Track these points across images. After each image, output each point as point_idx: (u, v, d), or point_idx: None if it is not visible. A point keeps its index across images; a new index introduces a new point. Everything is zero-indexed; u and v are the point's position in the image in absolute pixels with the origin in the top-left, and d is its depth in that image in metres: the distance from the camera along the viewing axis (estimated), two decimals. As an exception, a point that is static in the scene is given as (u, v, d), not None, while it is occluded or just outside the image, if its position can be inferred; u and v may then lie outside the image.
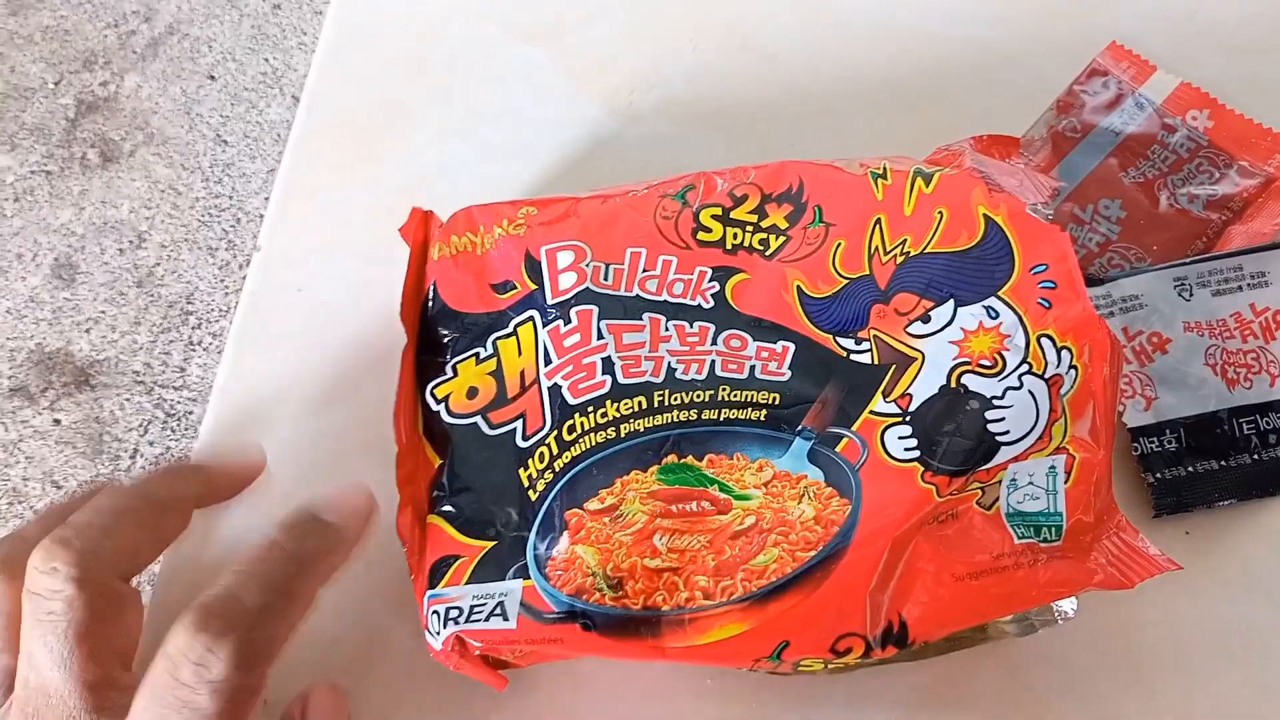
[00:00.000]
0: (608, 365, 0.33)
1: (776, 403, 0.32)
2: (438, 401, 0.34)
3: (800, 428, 0.31)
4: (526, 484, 0.32)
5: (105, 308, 1.33)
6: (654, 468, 0.31)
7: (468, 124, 0.47)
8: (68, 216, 1.40)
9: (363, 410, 0.39)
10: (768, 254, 0.34)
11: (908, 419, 0.31)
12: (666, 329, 0.33)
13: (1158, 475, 0.35)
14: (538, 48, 0.49)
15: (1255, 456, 0.35)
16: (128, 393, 1.27)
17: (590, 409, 0.32)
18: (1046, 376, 0.30)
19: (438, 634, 0.31)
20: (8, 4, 1.60)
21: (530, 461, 0.32)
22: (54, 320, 1.33)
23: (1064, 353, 0.30)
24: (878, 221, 0.33)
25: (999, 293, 0.31)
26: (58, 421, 1.26)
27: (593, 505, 0.31)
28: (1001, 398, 0.30)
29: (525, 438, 0.33)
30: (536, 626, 0.30)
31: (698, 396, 0.32)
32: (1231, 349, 0.36)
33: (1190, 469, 0.35)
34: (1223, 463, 0.35)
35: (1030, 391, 0.30)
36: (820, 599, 0.29)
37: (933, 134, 0.38)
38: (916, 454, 0.30)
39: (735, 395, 0.32)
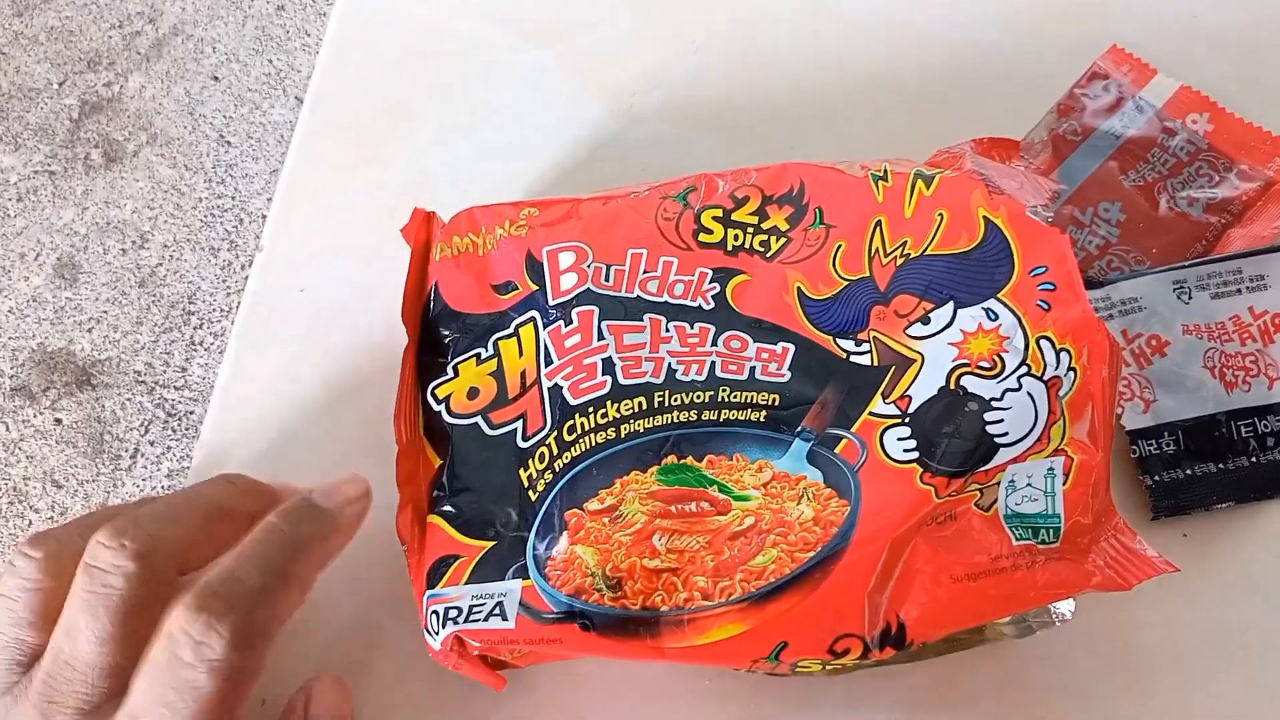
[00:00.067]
0: (608, 366, 0.33)
1: (776, 404, 0.32)
2: (439, 402, 0.34)
3: (800, 429, 0.31)
4: (526, 484, 0.32)
5: (107, 307, 1.33)
6: (654, 468, 0.31)
7: (470, 125, 0.47)
8: (71, 216, 1.41)
9: (364, 410, 0.39)
10: (768, 255, 0.34)
11: (907, 420, 0.31)
12: (667, 330, 0.33)
13: (1156, 478, 0.35)
14: (540, 50, 0.49)
15: (1253, 459, 0.35)
16: (129, 392, 1.28)
17: (591, 409, 0.32)
18: (1045, 378, 0.30)
19: (437, 634, 0.31)
20: (13, 4, 1.60)
21: (530, 462, 0.32)
22: (56, 320, 1.33)
23: (1063, 355, 0.30)
24: (878, 223, 0.33)
25: (998, 295, 0.31)
26: (59, 421, 1.27)
27: (592, 505, 0.31)
28: (1000, 399, 0.30)
29: (525, 438, 0.33)
30: (535, 626, 0.30)
31: (698, 397, 0.32)
32: (1230, 352, 0.36)
33: (1188, 472, 0.35)
34: (1221, 465, 0.35)
35: (1029, 393, 0.30)
36: (818, 600, 0.29)
37: (933, 137, 0.38)
38: (915, 455, 0.30)
39: (735, 396, 0.32)
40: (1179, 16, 0.46)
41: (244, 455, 0.40)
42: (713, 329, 0.33)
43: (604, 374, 0.33)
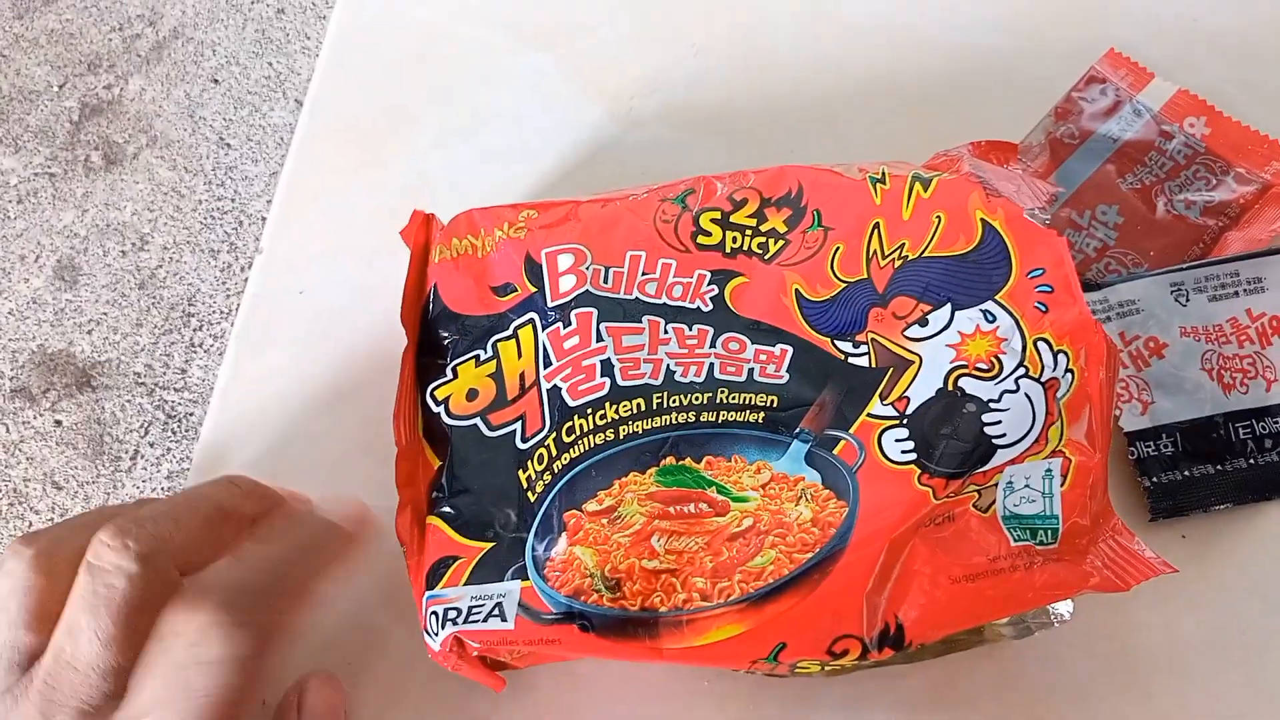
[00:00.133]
0: (607, 367, 0.33)
1: (774, 405, 0.32)
2: (438, 403, 0.34)
3: (798, 430, 0.31)
4: (525, 485, 0.32)
5: (107, 309, 1.33)
6: (652, 469, 0.31)
7: (469, 128, 0.47)
8: (71, 218, 1.41)
9: (363, 412, 0.39)
10: (766, 258, 0.34)
11: (905, 422, 0.31)
12: (666, 332, 0.33)
13: (1154, 479, 0.35)
14: (540, 53, 0.49)
15: (1251, 461, 0.35)
16: (129, 394, 1.28)
17: (589, 411, 0.32)
18: (1043, 380, 0.30)
19: (436, 635, 0.31)
20: (13, 7, 1.60)
21: (529, 463, 0.32)
22: (56, 322, 1.33)
23: (1060, 356, 0.31)
24: (876, 226, 0.33)
25: (996, 297, 0.32)
26: (59, 423, 1.27)
27: (591, 507, 0.31)
28: (998, 401, 0.30)
29: (524, 439, 0.33)
30: (534, 627, 0.30)
31: (696, 399, 0.32)
32: (1228, 354, 0.36)
33: (1186, 473, 0.35)
34: (1219, 467, 0.35)
35: (1027, 395, 0.30)
36: (817, 601, 0.29)
37: (933, 140, 0.38)
38: (913, 456, 0.30)
39: (733, 398, 0.32)
40: (1179, 20, 0.46)
41: (244, 457, 0.40)
42: (711, 331, 0.33)
43: (603, 375, 0.33)
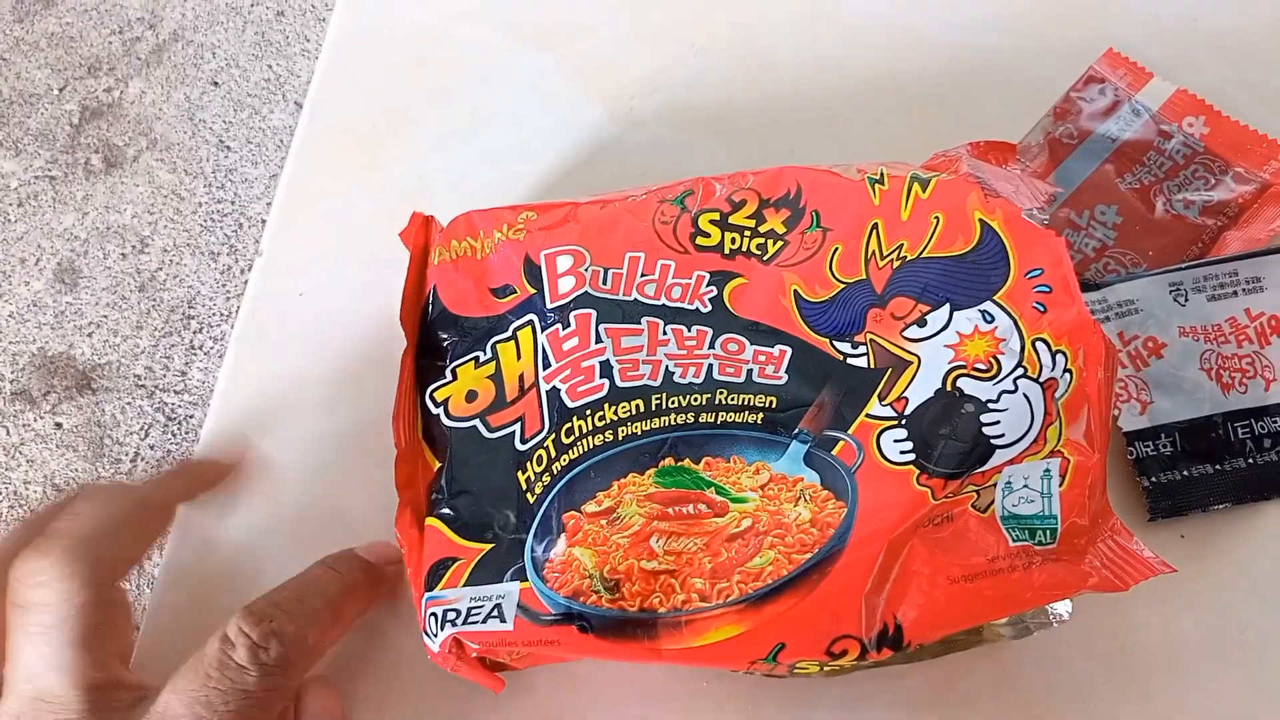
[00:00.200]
0: (606, 369, 0.33)
1: (773, 406, 0.32)
2: (437, 405, 0.34)
3: (797, 431, 0.31)
4: (524, 486, 0.32)
5: (107, 312, 1.33)
6: (651, 470, 0.31)
7: (469, 130, 0.47)
8: (71, 221, 1.41)
9: (363, 414, 0.39)
10: (765, 259, 0.34)
11: (903, 422, 0.31)
12: (664, 333, 0.33)
13: (1153, 479, 0.35)
14: (540, 54, 0.49)
15: (1250, 461, 0.35)
16: (129, 396, 1.28)
17: (588, 412, 0.32)
18: (1041, 380, 0.30)
19: (435, 636, 0.31)
20: (14, 10, 1.61)
21: (528, 464, 0.32)
22: (56, 324, 1.33)
23: (1059, 356, 0.31)
24: (875, 226, 0.33)
25: (994, 297, 0.32)
26: (59, 425, 1.27)
27: (590, 508, 0.31)
28: (996, 401, 0.30)
29: (524, 440, 0.33)
30: (533, 628, 0.30)
31: (695, 400, 0.32)
32: (1227, 354, 0.36)
33: (1185, 473, 0.35)
34: (1218, 467, 0.35)
35: (1025, 395, 0.30)
36: (816, 601, 0.29)
37: (932, 140, 0.38)
38: (912, 457, 0.30)
39: (732, 399, 0.32)
40: (1178, 20, 0.46)
41: (243, 459, 0.40)
42: (710, 332, 0.33)
43: (601, 377, 0.33)
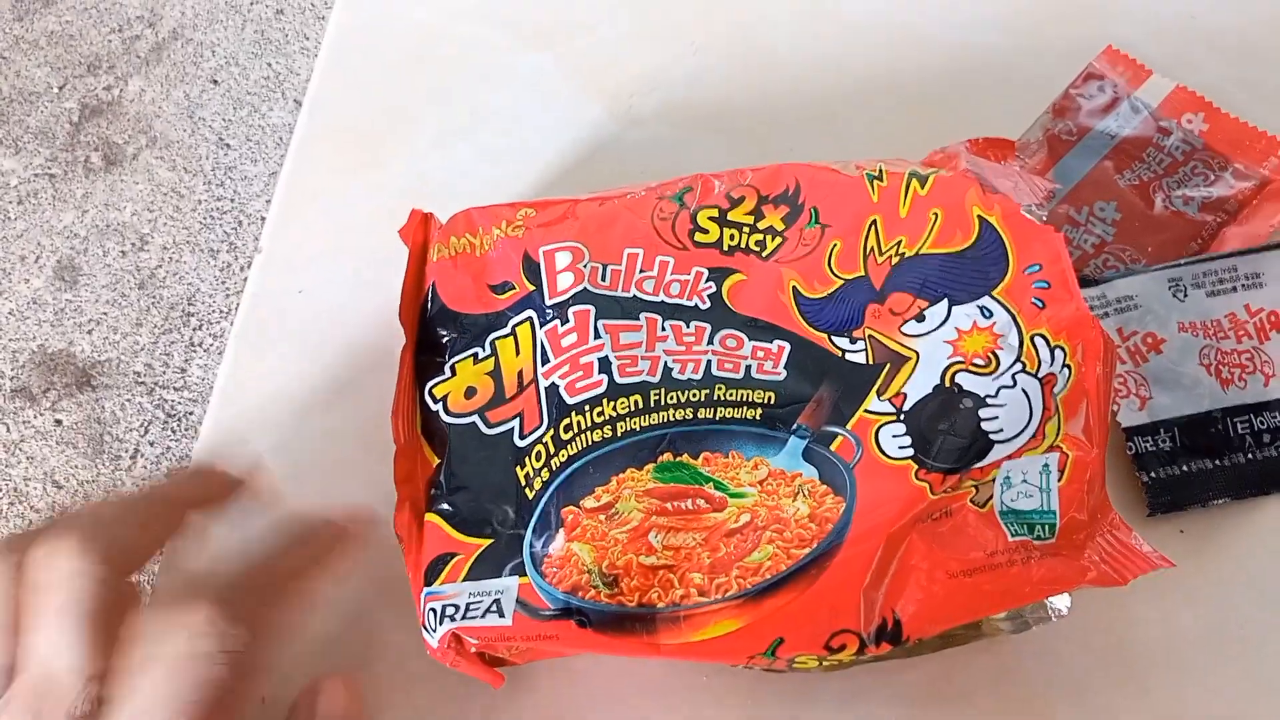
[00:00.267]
0: (604, 365, 0.33)
1: (772, 402, 0.32)
2: (436, 401, 0.34)
3: (795, 426, 0.31)
4: (523, 482, 0.32)
5: (107, 309, 1.34)
6: (650, 466, 0.31)
7: (468, 127, 0.47)
8: (71, 219, 1.41)
9: (362, 410, 0.39)
10: (764, 255, 0.34)
11: (902, 417, 0.31)
12: (663, 329, 0.33)
13: (1152, 474, 0.35)
14: (539, 52, 0.49)
15: (1249, 456, 0.35)
16: (129, 393, 1.28)
17: (587, 408, 0.32)
18: (1040, 375, 0.30)
19: (434, 631, 0.31)
20: (13, 9, 1.61)
21: (527, 460, 0.32)
22: (56, 321, 1.33)
23: (1057, 352, 0.31)
24: (873, 223, 0.34)
25: (993, 293, 0.32)
26: (59, 422, 1.27)
27: (589, 503, 0.31)
28: (995, 396, 0.30)
29: (522, 436, 0.33)
30: (532, 623, 0.30)
31: (694, 395, 0.32)
32: (1226, 349, 0.36)
33: (1184, 468, 0.35)
34: (1217, 462, 0.35)
35: (1024, 390, 0.30)
36: (814, 596, 0.29)
37: (932, 138, 0.38)
38: (911, 452, 0.30)
39: (731, 394, 0.32)
40: (1178, 18, 0.46)
41: (243, 455, 0.40)
42: (709, 328, 0.33)
43: (600, 373, 0.33)
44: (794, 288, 0.33)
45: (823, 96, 0.46)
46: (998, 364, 0.31)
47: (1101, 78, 0.43)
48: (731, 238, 0.35)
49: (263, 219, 1.34)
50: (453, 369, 0.35)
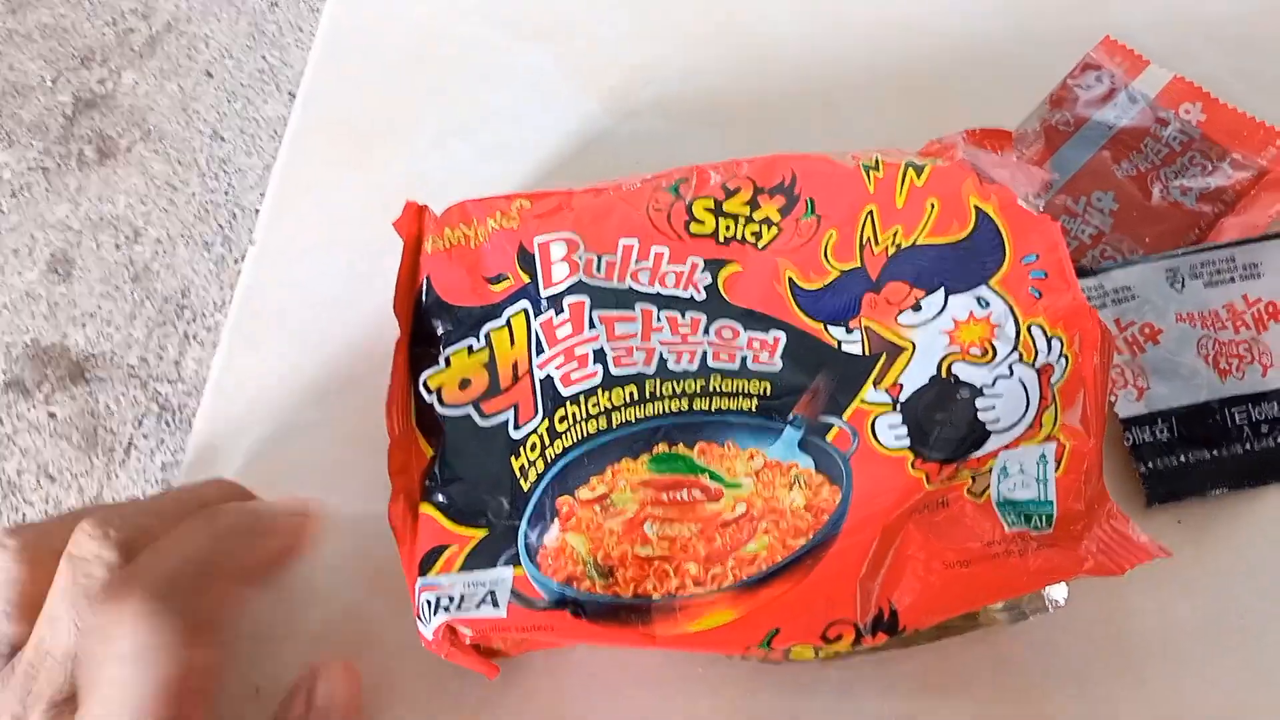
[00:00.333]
0: (599, 356, 0.33)
1: (768, 392, 0.32)
2: (430, 392, 0.34)
3: (791, 417, 0.31)
4: (518, 473, 0.32)
5: (101, 302, 1.33)
6: (645, 456, 0.31)
7: (463, 120, 0.47)
8: (64, 212, 1.40)
9: (357, 402, 0.39)
10: (760, 245, 0.34)
11: (898, 408, 0.31)
12: (658, 320, 0.33)
13: (1150, 465, 0.35)
14: (534, 45, 0.49)
15: (1247, 446, 0.35)
16: (123, 386, 1.27)
17: (582, 399, 0.32)
18: (1037, 365, 0.30)
19: (429, 622, 0.31)
20: (6, 2, 1.60)
21: (522, 451, 0.32)
22: (50, 314, 1.33)
23: (1054, 342, 0.30)
24: (869, 213, 0.33)
25: (990, 282, 0.32)
26: (53, 415, 1.26)
27: (584, 494, 0.31)
28: (992, 386, 0.30)
29: (517, 427, 0.33)
30: (527, 614, 0.30)
31: (689, 386, 0.32)
32: (1224, 340, 0.36)
33: (1182, 459, 0.35)
34: (1215, 452, 0.35)
35: (1020, 380, 0.30)
36: (810, 586, 0.29)
37: (926, 127, 0.38)
38: (907, 442, 0.30)
39: (727, 385, 0.32)
40: (1175, 8, 0.46)
41: (237, 448, 0.40)
42: (704, 318, 0.33)
43: (595, 364, 0.33)
44: (790, 278, 0.33)
45: (819, 87, 0.46)
46: (994, 354, 0.31)
47: (1099, 68, 0.43)
48: (727, 228, 0.34)
49: (257, 212, 1.33)
50: (447, 360, 0.35)
